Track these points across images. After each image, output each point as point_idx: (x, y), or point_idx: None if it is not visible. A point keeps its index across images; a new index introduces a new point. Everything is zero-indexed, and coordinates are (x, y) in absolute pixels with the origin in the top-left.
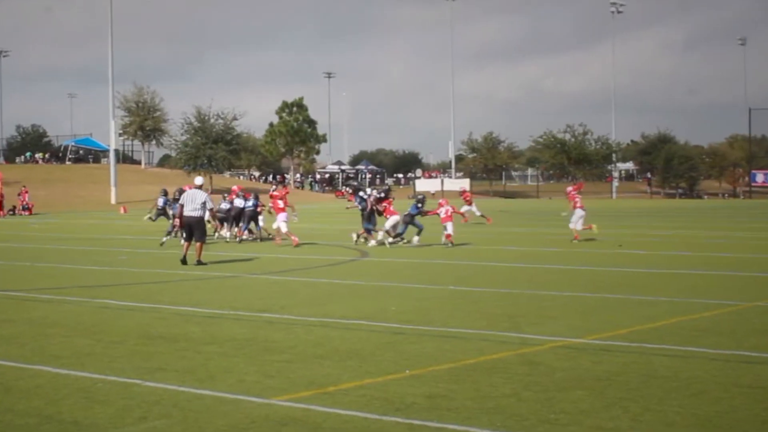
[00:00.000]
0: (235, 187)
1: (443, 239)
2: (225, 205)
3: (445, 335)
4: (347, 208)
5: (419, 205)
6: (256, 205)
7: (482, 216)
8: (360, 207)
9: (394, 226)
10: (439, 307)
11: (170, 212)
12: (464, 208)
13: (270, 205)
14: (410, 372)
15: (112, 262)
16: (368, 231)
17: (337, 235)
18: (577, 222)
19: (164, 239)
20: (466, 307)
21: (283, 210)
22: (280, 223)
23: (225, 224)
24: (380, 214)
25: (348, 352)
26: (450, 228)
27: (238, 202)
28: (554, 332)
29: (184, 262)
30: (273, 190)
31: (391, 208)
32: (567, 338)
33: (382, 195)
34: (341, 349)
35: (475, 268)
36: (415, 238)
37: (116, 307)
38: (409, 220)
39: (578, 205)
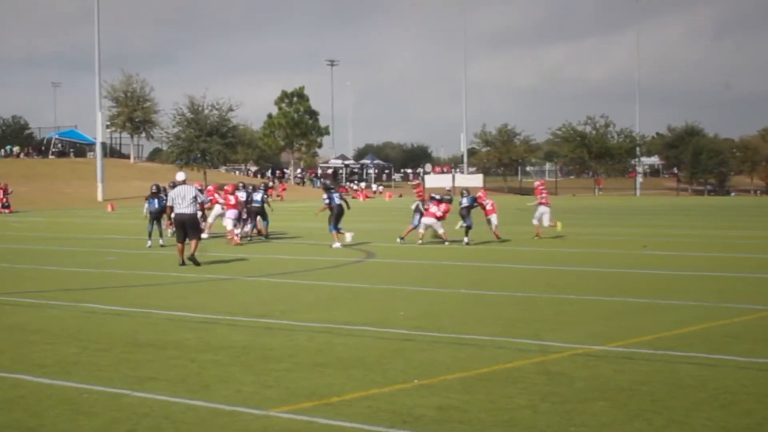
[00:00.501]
0: (210, 187)
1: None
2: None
3: (457, 342)
4: (317, 214)
5: (470, 194)
6: (263, 200)
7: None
8: (327, 205)
9: (429, 227)
10: (450, 311)
11: (146, 208)
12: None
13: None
14: (419, 382)
15: (99, 263)
16: (338, 231)
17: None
18: (540, 218)
19: (160, 243)
20: (480, 312)
21: (234, 206)
22: (227, 220)
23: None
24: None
25: (352, 361)
26: (495, 220)
27: (241, 196)
28: (574, 339)
29: (183, 264)
30: (270, 186)
31: (432, 210)
32: (587, 345)
33: (438, 198)
34: (345, 357)
35: (490, 269)
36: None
37: (103, 312)
38: (466, 212)
39: (542, 201)
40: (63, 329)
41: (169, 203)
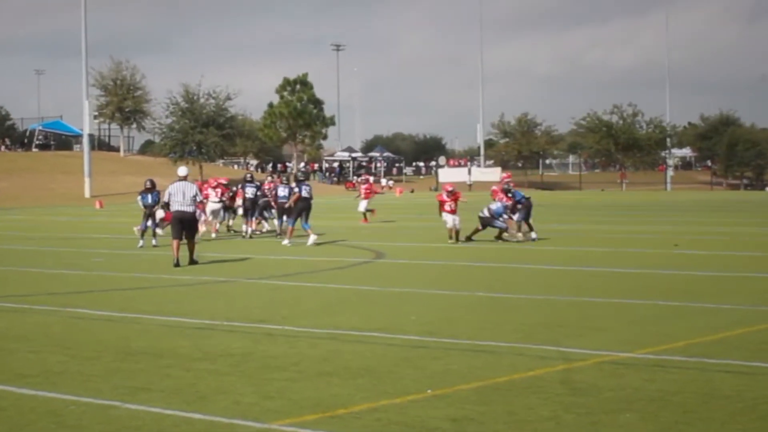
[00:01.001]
0: (212, 181)
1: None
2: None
3: (474, 349)
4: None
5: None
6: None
7: (366, 212)
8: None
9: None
10: (466, 316)
11: (141, 203)
12: (363, 205)
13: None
14: (433, 392)
15: (86, 264)
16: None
17: (348, 233)
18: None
19: (154, 241)
20: (498, 317)
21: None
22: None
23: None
24: None
25: (360, 369)
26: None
27: (250, 191)
28: (600, 346)
29: (177, 265)
30: (269, 180)
31: (447, 207)
32: (614, 352)
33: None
34: (352, 366)
35: (508, 271)
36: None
37: (91, 317)
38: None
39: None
40: (47, 336)
41: (165, 198)
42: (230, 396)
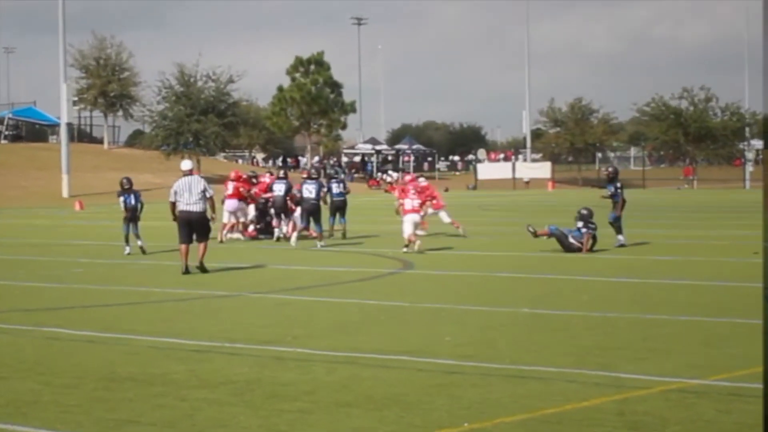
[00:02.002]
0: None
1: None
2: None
3: (518, 375)
4: None
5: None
6: (345, 191)
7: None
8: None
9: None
10: (509, 337)
11: (122, 206)
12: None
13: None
14: (470, 425)
15: (64, 276)
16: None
17: (370, 239)
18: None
19: (139, 245)
20: (546, 338)
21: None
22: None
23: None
24: None
25: (385, 399)
26: (444, 216)
27: (278, 188)
28: (665, 371)
29: (187, 272)
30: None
31: (408, 207)
32: (683, 379)
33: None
34: (376, 395)
35: (557, 283)
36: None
37: (70, 338)
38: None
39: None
40: (19, 360)
41: (171, 198)
42: (232, 430)
